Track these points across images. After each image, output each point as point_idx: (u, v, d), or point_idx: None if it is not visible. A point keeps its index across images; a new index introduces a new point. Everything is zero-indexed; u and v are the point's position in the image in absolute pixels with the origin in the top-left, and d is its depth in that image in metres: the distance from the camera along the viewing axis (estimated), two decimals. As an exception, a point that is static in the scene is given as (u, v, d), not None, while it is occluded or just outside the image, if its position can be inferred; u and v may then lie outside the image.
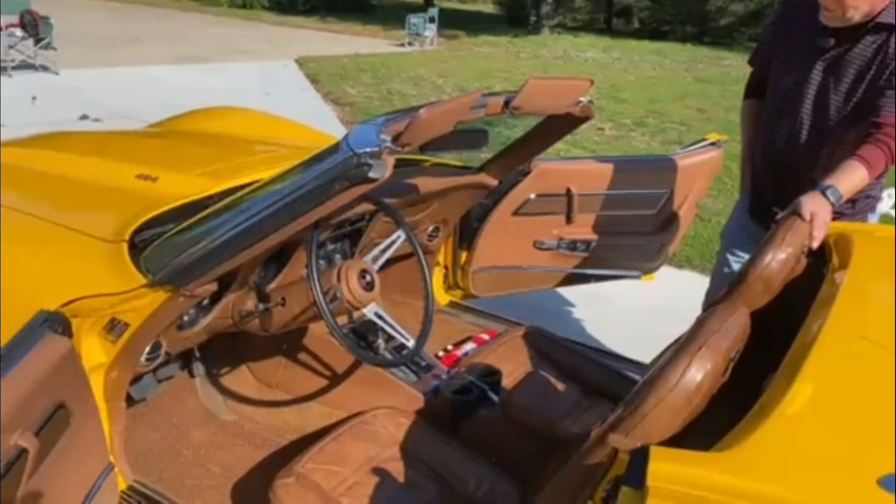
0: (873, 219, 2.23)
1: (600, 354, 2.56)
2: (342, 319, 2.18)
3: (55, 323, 1.40)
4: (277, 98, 9.12)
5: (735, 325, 1.31)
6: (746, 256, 2.34)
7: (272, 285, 1.90)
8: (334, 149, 1.43)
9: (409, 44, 16.20)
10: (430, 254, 2.77)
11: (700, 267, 4.39)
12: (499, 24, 22.30)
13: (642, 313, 3.66)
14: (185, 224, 1.64)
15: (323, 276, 1.69)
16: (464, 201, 2.58)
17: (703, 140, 2.98)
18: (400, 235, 1.90)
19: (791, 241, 1.68)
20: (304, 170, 1.49)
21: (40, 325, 1.36)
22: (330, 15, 21.94)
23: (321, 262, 2.14)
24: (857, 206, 2.15)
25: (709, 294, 2.49)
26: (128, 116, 7.10)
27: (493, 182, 2.52)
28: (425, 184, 2.33)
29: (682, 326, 1.50)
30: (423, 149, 2.08)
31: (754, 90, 2.38)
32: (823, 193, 2.00)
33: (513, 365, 2.28)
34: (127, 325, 1.58)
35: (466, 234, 2.81)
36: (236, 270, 1.77)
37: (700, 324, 1.30)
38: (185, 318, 1.83)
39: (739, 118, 2.48)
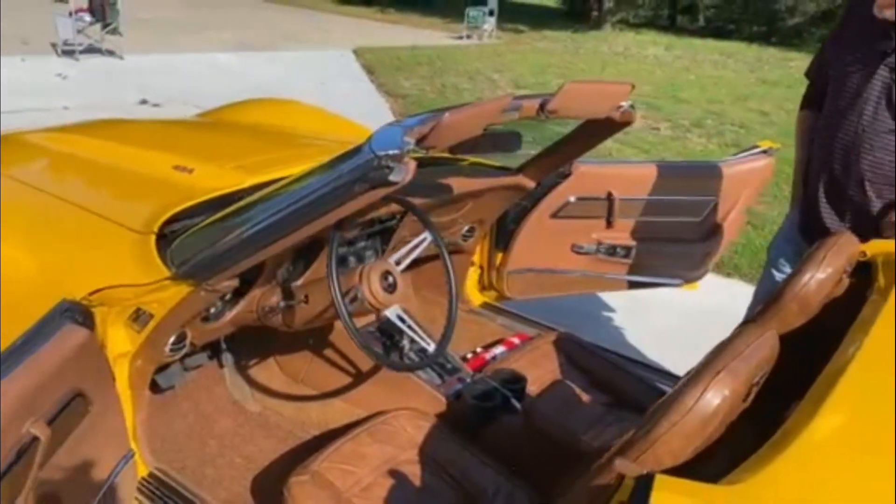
0: None
1: (634, 364, 2.50)
2: (367, 319, 2.18)
3: (75, 312, 1.43)
4: (332, 88, 9.22)
5: (761, 349, 1.25)
6: (791, 266, 2.26)
7: (299, 282, 1.90)
8: (358, 150, 1.42)
9: (468, 37, 16.13)
10: (466, 254, 2.75)
11: (749, 276, 4.25)
12: (561, 19, 22.05)
13: (685, 322, 3.56)
14: (210, 219, 1.65)
15: (345, 276, 1.69)
16: (500, 202, 2.55)
17: (755, 147, 2.87)
18: (426, 237, 1.88)
19: (832, 260, 1.60)
20: (328, 170, 1.48)
21: (60, 315, 1.38)
22: (389, 6, 22.03)
23: (351, 258, 2.14)
24: None
25: (751, 309, 2.41)
26: (186, 102, 7.26)
27: (531, 184, 2.48)
28: (461, 184, 2.30)
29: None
30: (454, 150, 2.05)
31: (811, 102, 2.28)
32: None
33: (541, 371, 2.24)
34: (151, 315, 1.60)
35: (503, 234, 2.77)
36: (262, 266, 1.78)
37: (723, 346, 1.25)
38: (212, 310, 1.85)
39: (795, 129, 2.38)
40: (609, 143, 7.57)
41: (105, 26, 9.63)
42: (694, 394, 1.11)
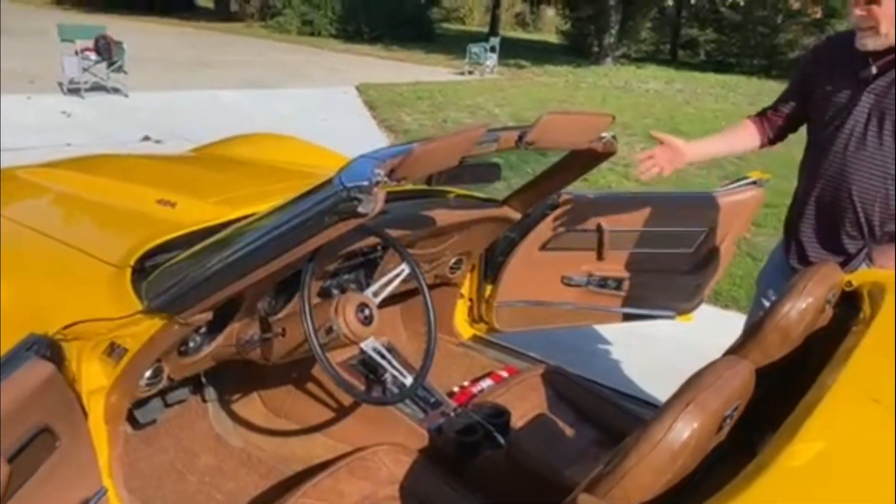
0: None
1: (624, 397, 2.46)
2: (350, 352, 2.16)
3: (42, 347, 1.41)
4: (334, 123, 9.30)
5: (733, 381, 1.22)
6: None
7: (279, 315, 1.89)
8: (328, 182, 1.42)
9: (470, 72, 16.32)
10: (454, 286, 2.73)
11: (746, 308, 4.19)
12: (563, 54, 22.29)
13: (681, 354, 3.50)
14: (185, 253, 1.65)
15: (321, 309, 1.67)
16: (486, 234, 2.54)
17: (745, 178, 2.87)
18: (404, 269, 1.86)
19: (813, 290, 1.58)
20: (300, 201, 1.48)
21: (26, 349, 1.37)
22: (394, 43, 22.35)
23: (334, 290, 2.13)
24: None
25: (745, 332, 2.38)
26: (188, 139, 7.31)
27: (517, 215, 2.47)
28: (446, 216, 2.30)
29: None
30: (430, 182, 2.05)
31: (758, 117, 2.30)
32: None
33: (527, 406, 2.21)
34: (125, 349, 1.59)
35: (492, 266, 2.76)
36: (241, 298, 1.77)
37: (694, 378, 1.22)
38: (191, 344, 1.83)
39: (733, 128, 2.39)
40: (609, 176, 7.62)
41: (110, 65, 9.77)
42: (662, 427, 1.08)
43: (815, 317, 1.61)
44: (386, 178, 1.39)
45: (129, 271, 1.69)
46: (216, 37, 21.31)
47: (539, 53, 21.85)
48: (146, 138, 7.68)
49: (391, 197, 2.08)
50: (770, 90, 15.55)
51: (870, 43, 1.90)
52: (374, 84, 13.09)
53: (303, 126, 9.27)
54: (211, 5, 29.73)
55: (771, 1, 20.55)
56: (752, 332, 1.59)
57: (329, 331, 1.68)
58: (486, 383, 2.46)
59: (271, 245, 1.47)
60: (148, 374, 1.72)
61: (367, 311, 1.74)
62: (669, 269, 2.83)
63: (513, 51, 20.74)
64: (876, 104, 1.94)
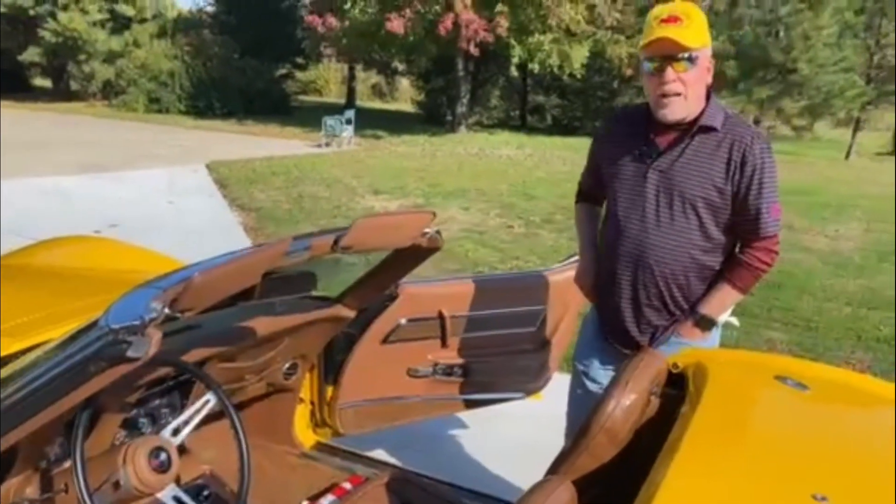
0: (717, 332, 2.14)
1: (472, 496, 2.36)
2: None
3: None
4: (181, 205, 8.89)
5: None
6: (599, 374, 2.20)
7: (64, 465, 1.64)
8: (94, 323, 1.24)
9: (327, 145, 16.31)
10: (291, 392, 2.55)
11: (600, 373, 4.27)
12: (419, 123, 22.87)
13: (538, 431, 3.47)
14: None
15: (108, 459, 1.46)
16: (320, 335, 2.40)
17: (575, 254, 2.92)
18: (209, 400, 1.67)
19: (635, 385, 1.56)
20: (67, 345, 1.29)
21: None
22: (248, 118, 22.05)
23: (143, 420, 1.90)
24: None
25: (569, 418, 2.33)
26: (19, 234, 6.70)
27: (351, 314, 2.35)
28: (269, 324, 2.14)
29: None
30: (236, 300, 1.89)
31: (587, 196, 2.29)
32: (698, 324, 1.92)
33: (371, 520, 2.06)
34: None
35: (331, 366, 2.61)
36: (14, 451, 1.52)
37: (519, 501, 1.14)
38: None
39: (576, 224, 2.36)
40: (466, 244, 7.71)
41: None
42: None
43: (642, 410, 1.59)
44: (165, 313, 1.23)
45: None
46: (54, 117, 20.20)
47: (396, 123, 22.28)
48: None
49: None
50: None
51: (678, 111, 1.88)
52: (226, 161, 12.75)
53: (147, 211, 8.82)
54: (49, 85, 28.24)
55: (606, 67, 22.16)
56: (579, 434, 1.54)
57: (117, 485, 1.46)
58: (329, 499, 2.27)
59: (38, 395, 1.27)
60: None
61: (162, 457, 1.53)
62: (515, 349, 2.80)
63: (370, 121, 21.03)
64: (663, 182, 1.94)
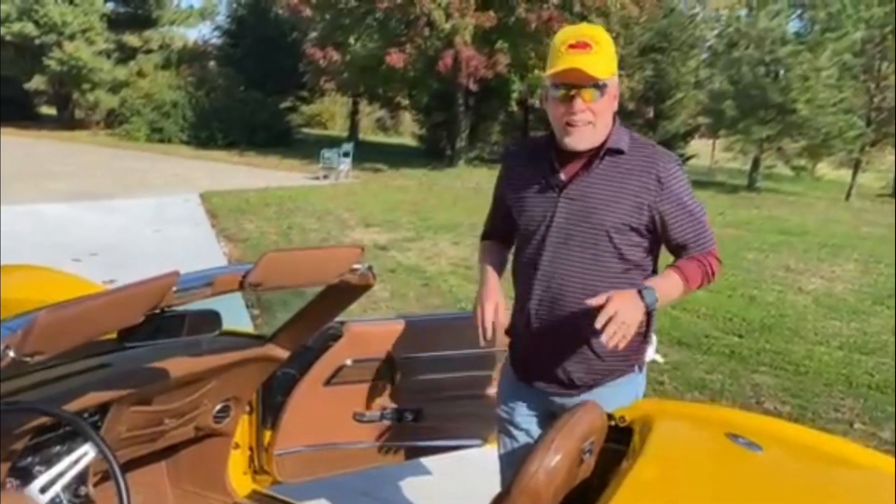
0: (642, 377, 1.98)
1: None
2: None
3: None
4: (168, 235, 8.80)
5: None
6: (525, 420, 2.02)
7: None
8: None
9: (325, 177, 16.28)
10: (224, 436, 2.38)
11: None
12: (420, 157, 22.89)
13: (488, 473, 3.27)
14: None
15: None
16: (252, 376, 2.24)
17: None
18: (88, 452, 1.50)
19: (563, 444, 1.40)
20: None
21: None
22: (250, 149, 22.10)
23: (38, 468, 1.73)
24: (630, 359, 1.90)
25: (502, 468, 2.14)
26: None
27: (283, 354, 2.20)
28: (196, 362, 2.00)
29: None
30: (125, 339, 1.73)
31: (493, 234, 2.12)
32: (640, 294, 1.73)
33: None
34: None
35: (270, 409, 2.44)
36: None
37: None
38: None
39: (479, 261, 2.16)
40: (452, 280, 7.54)
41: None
42: None
43: (570, 471, 1.43)
44: (10, 357, 1.08)
45: None
46: (55, 145, 20.26)
47: (397, 157, 22.31)
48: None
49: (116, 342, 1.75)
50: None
51: (586, 139, 1.79)
52: (220, 191, 12.70)
53: (130, 239, 8.71)
54: (54, 112, 28.45)
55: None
56: (499, 499, 1.38)
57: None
58: (254, 555, 2.10)
59: None
60: None
61: (23, 516, 1.37)
62: (470, 393, 2.64)
63: (372, 154, 21.06)
64: (574, 210, 1.81)
